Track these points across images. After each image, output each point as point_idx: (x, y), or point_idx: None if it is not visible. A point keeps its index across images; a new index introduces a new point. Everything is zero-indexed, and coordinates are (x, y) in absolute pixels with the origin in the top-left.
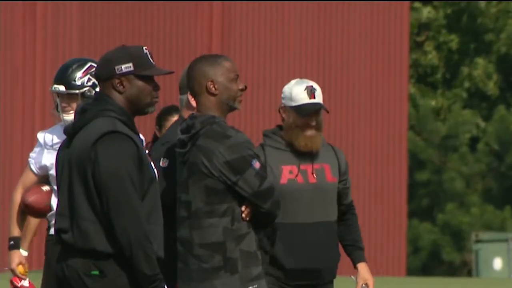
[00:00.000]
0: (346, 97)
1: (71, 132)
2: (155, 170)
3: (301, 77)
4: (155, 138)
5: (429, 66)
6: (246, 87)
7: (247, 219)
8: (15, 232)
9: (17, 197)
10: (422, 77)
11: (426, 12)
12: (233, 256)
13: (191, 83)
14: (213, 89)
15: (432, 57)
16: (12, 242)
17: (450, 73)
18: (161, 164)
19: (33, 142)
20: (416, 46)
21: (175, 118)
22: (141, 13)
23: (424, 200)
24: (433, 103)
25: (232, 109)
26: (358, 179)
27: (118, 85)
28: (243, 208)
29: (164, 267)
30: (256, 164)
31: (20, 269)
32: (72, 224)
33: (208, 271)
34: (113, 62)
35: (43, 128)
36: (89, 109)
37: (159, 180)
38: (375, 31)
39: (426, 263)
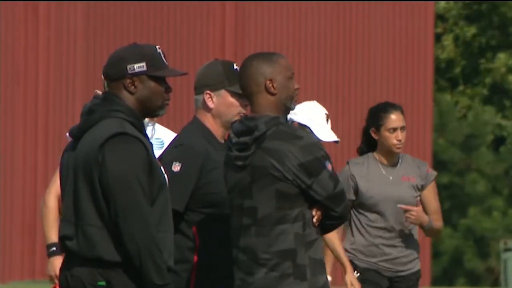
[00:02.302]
0: (367, 99)
1: (77, 133)
2: (165, 174)
3: (318, 77)
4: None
5: (445, 61)
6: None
7: (316, 224)
8: (54, 238)
9: (52, 202)
10: (440, 72)
11: (443, 3)
12: (303, 263)
13: (245, 82)
14: (272, 88)
15: (449, 50)
16: (53, 248)
17: (470, 68)
18: (172, 168)
19: (36, 144)
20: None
21: (392, 115)
22: (150, 13)
23: (446, 203)
24: (448, 98)
25: (288, 110)
26: None
27: (129, 85)
28: (313, 212)
29: (175, 276)
30: (329, 166)
31: None
32: (77, 231)
33: (276, 279)
34: (125, 61)
35: (47, 130)
36: (96, 109)
37: (170, 185)
38: (397, 30)
39: (447, 269)
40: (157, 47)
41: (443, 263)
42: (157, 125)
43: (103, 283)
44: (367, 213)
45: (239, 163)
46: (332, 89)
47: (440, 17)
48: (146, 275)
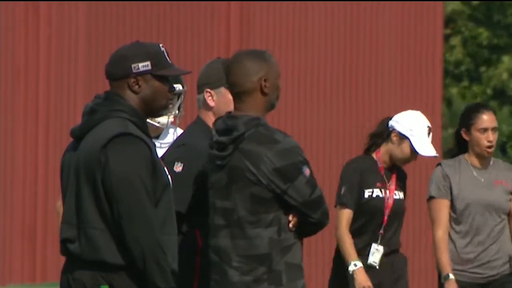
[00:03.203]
0: (374, 99)
1: (78, 134)
2: (169, 175)
3: (325, 78)
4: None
5: (453, 62)
6: None
7: (294, 229)
8: None
9: None
10: (447, 74)
11: (453, 4)
12: (278, 269)
13: (238, 79)
14: (266, 88)
15: (457, 52)
16: None
17: (476, 70)
18: (175, 168)
19: (36, 145)
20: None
21: (484, 115)
22: (153, 12)
23: None
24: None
25: (272, 108)
26: None
27: (133, 84)
28: (290, 218)
29: (178, 279)
30: (307, 171)
31: None
32: (79, 233)
33: (250, 283)
34: (129, 60)
35: (47, 131)
36: (99, 109)
37: (172, 185)
38: (406, 30)
39: None
40: (160, 45)
41: None
42: (179, 129)
43: (105, 286)
44: (458, 217)
45: (218, 162)
46: (339, 90)
47: (448, 19)
48: (150, 278)
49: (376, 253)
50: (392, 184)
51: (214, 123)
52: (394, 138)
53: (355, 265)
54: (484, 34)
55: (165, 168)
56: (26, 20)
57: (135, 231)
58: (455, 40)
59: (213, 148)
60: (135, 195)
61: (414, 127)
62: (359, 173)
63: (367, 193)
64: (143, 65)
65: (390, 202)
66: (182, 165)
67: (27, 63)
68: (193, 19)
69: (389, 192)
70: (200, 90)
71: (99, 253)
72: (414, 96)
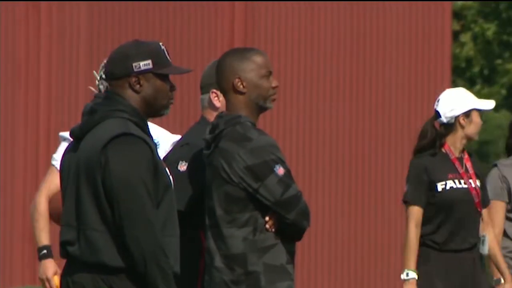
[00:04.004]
0: (382, 98)
1: (78, 134)
2: (170, 175)
3: (331, 78)
4: None
5: (464, 59)
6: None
7: (272, 230)
8: (45, 240)
9: (43, 204)
10: (458, 71)
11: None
12: (256, 270)
13: (219, 79)
14: (241, 86)
15: (468, 49)
16: (44, 251)
17: (489, 67)
18: (179, 167)
19: (37, 144)
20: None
21: None
22: (155, 12)
23: None
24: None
25: (263, 109)
26: (395, 185)
27: (135, 83)
28: (267, 218)
29: (181, 282)
30: (280, 170)
31: (56, 280)
32: (79, 235)
33: (229, 284)
34: (130, 58)
35: (48, 130)
36: (99, 109)
37: (175, 184)
38: (413, 29)
39: None
40: (160, 43)
41: None
42: (152, 125)
43: None
44: None
45: (206, 161)
46: (346, 89)
47: (457, 15)
48: (151, 281)
49: (486, 242)
50: (471, 170)
51: (210, 123)
52: (463, 122)
53: (407, 275)
54: (491, 29)
55: (167, 169)
56: (27, 20)
57: (136, 233)
58: (465, 37)
59: (204, 148)
60: (136, 196)
61: (467, 97)
62: (422, 168)
63: (440, 187)
64: (144, 64)
65: (478, 189)
66: (186, 164)
67: (28, 63)
68: (196, 18)
69: (473, 180)
70: (205, 90)
71: (99, 255)
72: (422, 95)
